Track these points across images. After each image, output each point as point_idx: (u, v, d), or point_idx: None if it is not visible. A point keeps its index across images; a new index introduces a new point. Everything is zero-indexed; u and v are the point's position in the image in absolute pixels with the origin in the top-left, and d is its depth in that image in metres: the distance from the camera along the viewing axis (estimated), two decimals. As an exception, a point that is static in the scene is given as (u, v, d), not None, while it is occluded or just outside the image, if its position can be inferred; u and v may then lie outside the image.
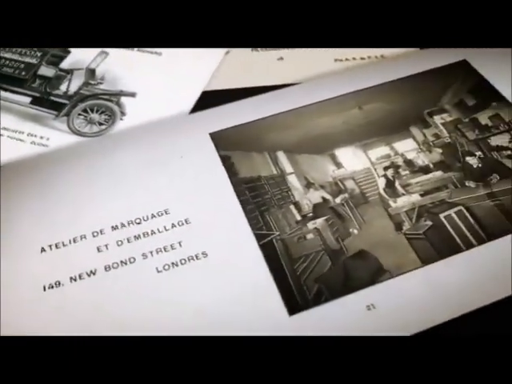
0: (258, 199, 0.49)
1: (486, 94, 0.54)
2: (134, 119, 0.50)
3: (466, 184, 0.47)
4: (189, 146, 0.48)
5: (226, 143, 0.50)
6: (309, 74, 0.55)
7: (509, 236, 0.41)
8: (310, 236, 0.47)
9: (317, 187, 0.52)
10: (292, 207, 0.49)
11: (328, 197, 0.52)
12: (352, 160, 0.55)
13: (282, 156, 0.56)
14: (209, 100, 0.52)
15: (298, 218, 0.49)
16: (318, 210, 0.51)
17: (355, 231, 0.49)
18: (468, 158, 0.48)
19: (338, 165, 0.55)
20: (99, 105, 0.51)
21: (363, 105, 0.58)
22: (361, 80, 0.56)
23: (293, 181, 0.54)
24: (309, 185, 0.53)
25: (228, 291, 0.38)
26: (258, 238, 0.41)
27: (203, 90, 0.53)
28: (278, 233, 0.43)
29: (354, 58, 0.57)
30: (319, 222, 0.48)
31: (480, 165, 0.48)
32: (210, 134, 0.49)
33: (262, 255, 0.40)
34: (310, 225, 0.48)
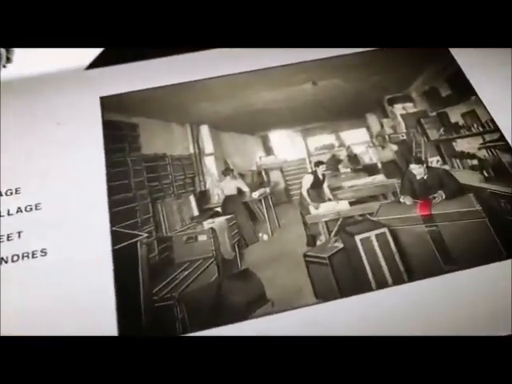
0: (154, 183, 0.41)
1: (467, 84, 0.44)
2: (19, 69, 0.41)
3: (401, 200, 0.37)
4: (71, 111, 0.39)
5: (125, 110, 0.41)
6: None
7: (435, 279, 0.32)
8: (202, 237, 0.38)
9: (235, 175, 0.43)
10: (191, 198, 0.41)
11: (245, 189, 0.43)
12: (286, 146, 0.45)
13: (205, 131, 0.46)
14: (116, 55, 0.43)
15: (196, 212, 0.40)
16: (229, 203, 0.42)
17: (265, 237, 0.41)
18: (412, 166, 0.38)
19: (268, 150, 0.46)
20: (-17, 45, 0.42)
21: (319, 80, 0.48)
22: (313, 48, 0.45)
23: (209, 164, 0.45)
24: (227, 171, 0.44)
25: (56, 302, 0.30)
26: (115, 239, 0.33)
27: (111, 42, 0.43)
28: (145, 235, 0.34)
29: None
30: (218, 221, 0.39)
31: (425, 177, 0.38)
32: (102, 97, 0.40)
33: (112, 263, 0.32)
34: (206, 224, 0.39)
